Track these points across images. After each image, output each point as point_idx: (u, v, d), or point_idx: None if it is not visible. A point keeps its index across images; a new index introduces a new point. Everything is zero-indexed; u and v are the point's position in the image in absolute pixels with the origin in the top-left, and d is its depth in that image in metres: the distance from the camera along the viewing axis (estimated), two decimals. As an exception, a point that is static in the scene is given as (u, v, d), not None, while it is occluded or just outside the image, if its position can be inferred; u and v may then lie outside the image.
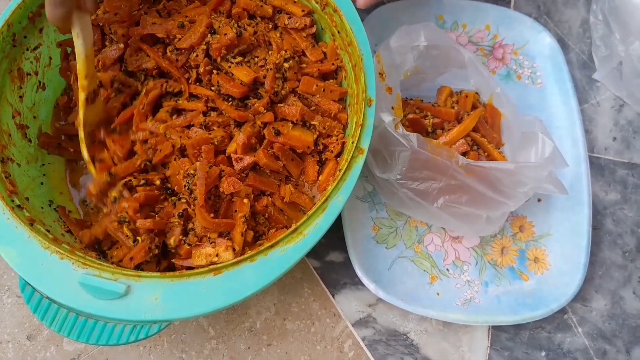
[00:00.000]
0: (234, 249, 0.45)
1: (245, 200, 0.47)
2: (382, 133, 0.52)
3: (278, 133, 0.50)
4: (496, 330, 0.57)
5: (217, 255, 0.44)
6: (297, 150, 0.52)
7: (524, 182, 0.52)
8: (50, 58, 0.54)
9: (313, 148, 0.52)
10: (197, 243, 0.46)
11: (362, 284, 0.55)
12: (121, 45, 0.52)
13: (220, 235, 0.46)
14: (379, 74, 0.54)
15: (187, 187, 0.47)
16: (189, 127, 0.51)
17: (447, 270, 0.58)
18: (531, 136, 0.55)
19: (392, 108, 0.55)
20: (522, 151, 0.56)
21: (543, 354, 0.56)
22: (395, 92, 0.56)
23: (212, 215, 0.47)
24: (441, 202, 0.53)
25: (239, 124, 0.51)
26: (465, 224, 0.55)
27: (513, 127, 0.58)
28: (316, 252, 0.59)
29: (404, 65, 0.58)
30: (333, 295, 0.57)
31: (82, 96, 0.48)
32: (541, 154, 0.54)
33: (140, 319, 0.40)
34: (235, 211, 0.47)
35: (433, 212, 0.55)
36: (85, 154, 0.49)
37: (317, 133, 0.52)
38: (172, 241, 0.46)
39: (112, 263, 0.45)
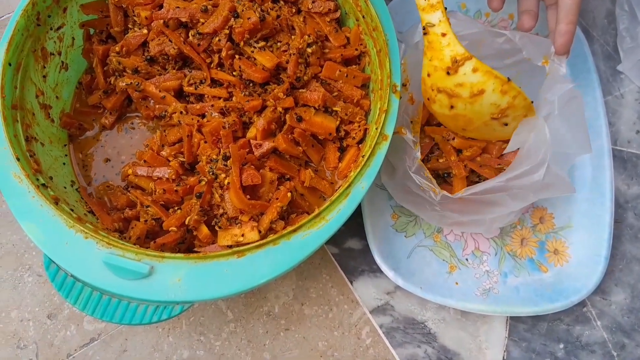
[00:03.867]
0: (259, 231, 0.45)
1: (289, 194, 0.47)
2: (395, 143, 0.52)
3: (300, 119, 0.50)
4: (514, 321, 0.57)
5: (242, 235, 0.44)
6: (319, 137, 0.51)
7: (523, 196, 0.50)
8: (73, 38, 0.54)
9: (335, 135, 0.51)
10: (228, 227, 0.46)
11: (380, 272, 0.55)
12: (145, 30, 0.52)
13: (252, 219, 0.46)
14: (403, 84, 0.53)
15: (211, 173, 0.47)
16: (203, 116, 0.51)
17: (466, 260, 0.57)
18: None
19: (411, 122, 0.54)
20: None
21: (561, 346, 0.56)
22: (418, 102, 0.55)
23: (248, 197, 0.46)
24: (438, 218, 0.54)
25: (260, 110, 0.51)
26: (469, 227, 0.56)
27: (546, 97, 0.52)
28: (335, 239, 0.58)
29: None
30: (351, 282, 0.57)
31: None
32: (534, 154, 0.49)
33: (163, 299, 0.41)
34: (277, 199, 0.47)
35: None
36: None
37: (339, 119, 0.51)
38: (187, 220, 0.46)
39: (134, 244, 0.46)
